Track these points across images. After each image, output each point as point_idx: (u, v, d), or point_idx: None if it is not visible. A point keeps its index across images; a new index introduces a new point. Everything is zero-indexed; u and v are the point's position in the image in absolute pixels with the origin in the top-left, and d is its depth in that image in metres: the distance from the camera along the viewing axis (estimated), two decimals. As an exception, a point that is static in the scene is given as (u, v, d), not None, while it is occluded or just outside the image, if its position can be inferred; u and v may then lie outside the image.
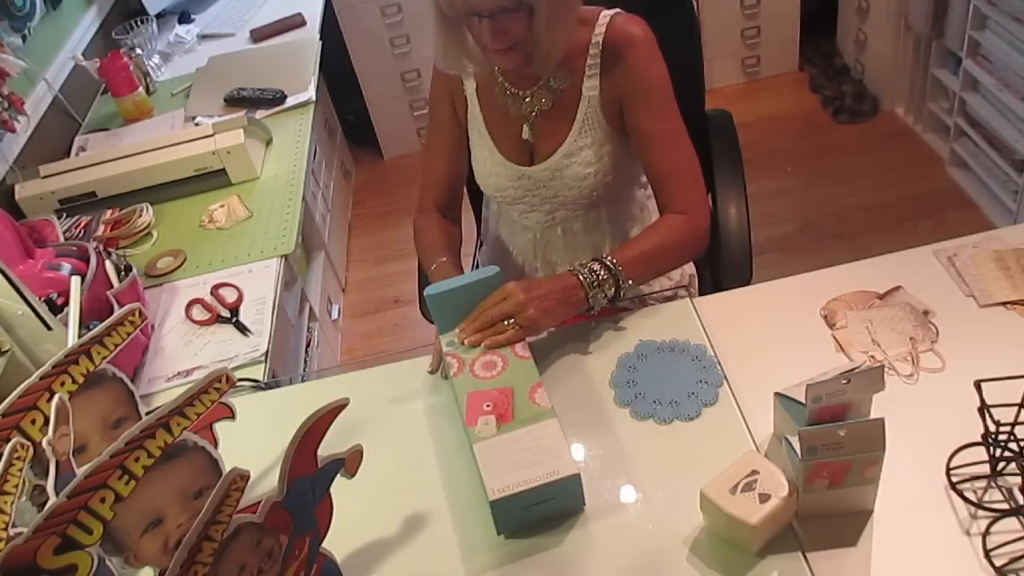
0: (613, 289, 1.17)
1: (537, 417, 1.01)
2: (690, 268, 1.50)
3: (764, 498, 0.87)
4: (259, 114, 2.10)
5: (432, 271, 1.32)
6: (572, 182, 1.30)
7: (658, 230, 1.26)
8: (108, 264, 1.48)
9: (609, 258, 1.18)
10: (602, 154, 1.29)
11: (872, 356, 1.08)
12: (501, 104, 1.32)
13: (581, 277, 1.16)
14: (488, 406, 1.03)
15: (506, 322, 1.12)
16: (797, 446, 0.85)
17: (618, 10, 1.27)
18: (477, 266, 1.66)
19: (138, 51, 2.39)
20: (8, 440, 0.82)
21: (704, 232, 1.27)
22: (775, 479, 0.88)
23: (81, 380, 0.92)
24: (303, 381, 1.36)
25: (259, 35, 2.54)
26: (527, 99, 1.29)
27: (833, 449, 0.84)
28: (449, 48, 1.23)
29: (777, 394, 0.96)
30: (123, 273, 1.49)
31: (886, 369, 1.05)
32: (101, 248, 1.51)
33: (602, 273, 1.17)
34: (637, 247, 1.23)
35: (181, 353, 1.44)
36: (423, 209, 1.43)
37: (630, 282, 1.18)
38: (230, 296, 1.54)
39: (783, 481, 0.88)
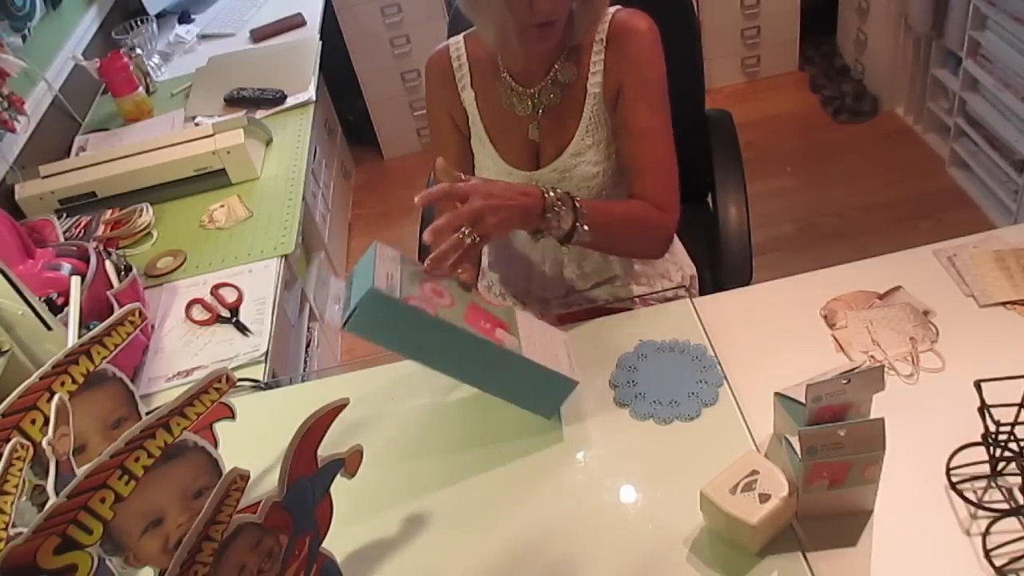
0: (568, 224, 1.14)
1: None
2: (690, 268, 1.49)
3: (764, 498, 0.87)
4: (259, 114, 2.10)
5: None
6: (581, 183, 1.30)
7: (631, 204, 1.24)
8: (108, 264, 1.48)
9: (576, 199, 1.15)
10: (609, 152, 1.29)
11: (872, 356, 1.08)
12: (506, 106, 1.31)
13: (546, 199, 1.12)
14: (486, 324, 1.04)
15: (463, 231, 1.06)
16: (797, 446, 0.85)
17: (619, 7, 1.27)
18: (482, 264, 1.65)
19: (138, 51, 2.39)
20: (8, 440, 0.82)
21: (670, 233, 1.26)
22: (775, 479, 0.88)
23: (81, 380, 0.91)
24: (303, 381, 1.36)
25: (259, 35, 2.54)
26: (534, 96, 1.29)
27: (833, 449, 0.84)
28: (496, 24, 1.17)
29: (777, 394, 0.96)
30: (123, 273, 1.49)
31: (886, 369, 1.05)
32: (101, 248, 1.51)
33: (564, 210, 1.13)
34: (607, 205, 1.22)
35: (181, 353, 1.44)
36: (439, 215, 1.42)
37: (586, 227, 1.14)
38: (230, 296, 1.54)
39: (783, 481, 0.88)
